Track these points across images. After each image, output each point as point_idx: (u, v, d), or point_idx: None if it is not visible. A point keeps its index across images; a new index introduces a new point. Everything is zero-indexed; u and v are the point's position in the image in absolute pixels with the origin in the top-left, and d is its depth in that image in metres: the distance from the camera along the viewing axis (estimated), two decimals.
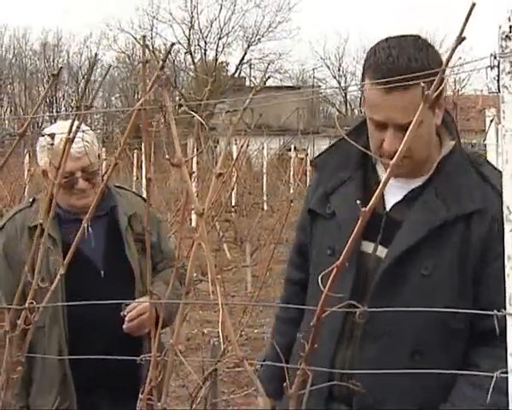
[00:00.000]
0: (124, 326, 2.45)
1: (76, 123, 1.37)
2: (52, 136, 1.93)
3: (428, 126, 1.70)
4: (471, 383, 1.66)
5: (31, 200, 2.66)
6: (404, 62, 1.62)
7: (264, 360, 2.15)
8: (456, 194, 1.72)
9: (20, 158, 9.20)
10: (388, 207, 1.80)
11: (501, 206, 1.01)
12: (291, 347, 1.96)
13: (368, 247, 1.80)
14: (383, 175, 1.78)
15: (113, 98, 39.96)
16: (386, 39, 1.70)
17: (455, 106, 5.81)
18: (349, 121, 28.14)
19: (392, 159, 0.94)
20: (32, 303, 1.47)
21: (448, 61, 0.95)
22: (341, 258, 0.95)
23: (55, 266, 2.44)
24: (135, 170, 9.38)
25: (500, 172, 1.83)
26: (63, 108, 37.29)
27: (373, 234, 1.77)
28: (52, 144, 2.32)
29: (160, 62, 1.22)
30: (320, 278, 0.98)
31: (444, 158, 1.78)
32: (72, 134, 1.38)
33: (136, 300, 2.51)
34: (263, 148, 16.17)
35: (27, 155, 8.54)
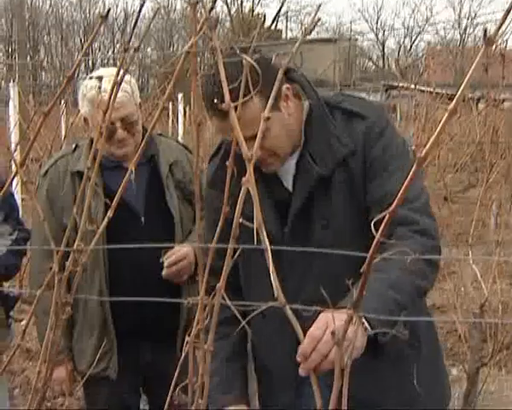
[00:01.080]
0: (163, 273, 2.48)
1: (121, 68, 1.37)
2: (100, 78, 1.94)
3: (279, 123, 1.79)
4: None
5: (73, 146, 2.69)
6: (216, 88, 1.68)
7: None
8: (326, 147, 1.83)
9: (57, 109, 9.26)
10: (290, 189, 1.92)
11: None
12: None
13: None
14: None
15: (148, 49, 39.85)
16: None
17: (502, 58, 5.66)
18: (386, 75, 27.73)
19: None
20: (79, 245, 1.49)
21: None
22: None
23: (97, 212, 2.48)
24: (171, 118, 9.38)
25: (361, 98, 1.98)
26: (99, 60, 37.29)
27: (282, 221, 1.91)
28: (100, 87, 2.34)
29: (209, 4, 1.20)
30: None
31: (305, 122, 1.86)
32: (119, 77, 1.38)
33: (176, 246, 2.54)
34: None
35: (65, 106, 8.58)
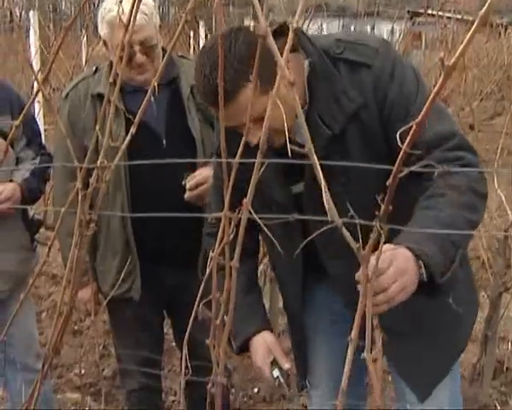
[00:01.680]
0: (185, 195, 2.48)
1: None
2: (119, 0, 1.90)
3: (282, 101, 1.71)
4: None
5: (94, 68, 2.66)
6: (213, 83, 1.60)
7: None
8: (334, 104, 1.73)
9: (77, 37, 9.18)
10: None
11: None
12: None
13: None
14: None
15: None
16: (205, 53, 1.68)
17: None
18: (411, 1, 26.99)
19: None
20: (102, 162, 1.49)
21: None
22: None
23: (119, 133, 2.46)
24: (192, 45, 9.29)
25: (361, 39, 1.79)
26: None
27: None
28: (118, 9, 2.29)
29: None
30: None
31: (308, 82, 1.75)
32: None
33: (198, 170, 2.53)
34: (322, 29, 15.70)
35: (85, 34, 8.49)
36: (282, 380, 1.88)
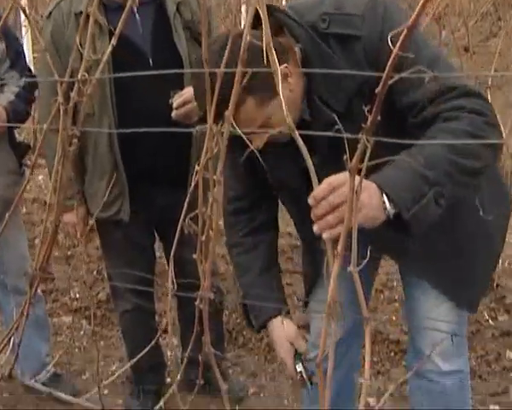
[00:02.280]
0: (172, 114, 2.44)
1: None
2: None
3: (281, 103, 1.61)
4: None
5: None
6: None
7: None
8: (334, 84, 1.65)
9: None
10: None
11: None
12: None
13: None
14: None
15: None
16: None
17: None
18: None
19: None
20: (84, 76, 1.45)
21: None
22: None
23: (103, 50, 2.40)
24: None
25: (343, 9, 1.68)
26: None
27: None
28: None
29: None
30: None
31: (302, 67, 1.65)
32: None
33: (185, 88, 2.48)
34: None
35: None
36: (304, 375, 1.86)
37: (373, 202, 1.40)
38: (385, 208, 1.41)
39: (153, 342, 1.86)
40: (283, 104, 1.17)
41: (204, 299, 1.46)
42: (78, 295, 4.27)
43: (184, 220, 1.40)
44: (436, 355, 2.00)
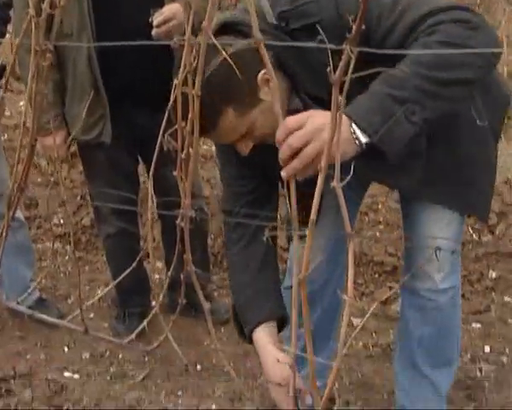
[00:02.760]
0: (152, 32, 2.37)
1: None
2: None
3: (265, 112, 1.53)
4: None
5: None
6: None
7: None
8: (314, 76, 1.57)
9: None
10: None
11: None
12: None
13: None
14: None
15: None
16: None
17: None
18: None
19: None
20: None
21: None
22: None
23: None
24: None
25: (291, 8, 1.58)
26: None
27: None
28: None
29: None
30: None
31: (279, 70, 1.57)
32: None
33: (166, 6, 2.41)
34: None
35: None
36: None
37: (341, 136, 1.37)
38: (356, 138, 1.38)
39: (134, 264, 1.84)
40: (276, 107, 1.10)
41: (185, 217, 1.44)
42: (61, 221, 4.25)
43: (163, 136, 1.36)
44: (435, 272, 2.00)
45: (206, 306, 1.50)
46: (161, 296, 1.91)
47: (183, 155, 1.37)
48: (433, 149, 1.75)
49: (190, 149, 1.36)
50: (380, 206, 3.76)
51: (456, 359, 2.25)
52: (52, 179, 4.71)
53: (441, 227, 1.91)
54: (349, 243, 1.24)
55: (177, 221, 1.45)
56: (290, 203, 1.22)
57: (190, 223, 1.45)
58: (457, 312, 2.16)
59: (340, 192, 1.17)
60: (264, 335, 1.77)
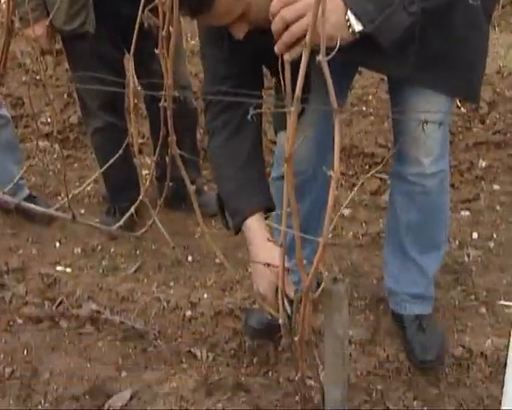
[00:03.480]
0: None
1: None
2: None
3: None
4: None
5: None
6: None
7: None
8: None
9: None
10: None
11: None
12: None
13: None
14: None
15: None
16: None
17: None
18: None
19: None
20: None
21: None
22: None
23: None
24: None
25: None
26: None
27: None
28: None
29: None
30: None
31: None
32: None
33: None
34: None
35: None
36: (288, 311, 1.51)
37: (331, 20, 1.32)
38: (350, 26, 1.34)
39: (118, 154, 1.80)
40: None
41: (168, 97, 1.41)
42: (49, 120, 4.19)
43: (143, 12, 1.32)
44: (423, 156, 1.99)
45: (191, 187, 1.48)
46: (147, 182, 1.90)
47: (163, 33, 1.33)
48: (425, 33, 1.70)
49: (171, 28, 1.32)
50: (370, 97, 3.72)
51: (445, 243, 2.27)
52: (38, 78, 4.62)
53: (430, 108, 1.88)
54: (335, 118, 1.22)
55: (161, 104, 1.43)
56: (284, 81, 1.20)
57: (174, 103, 1.43)
58: (445, 197, 2.17)
59: (325, 66, 1.14)
60: (255, 222, 1.74)
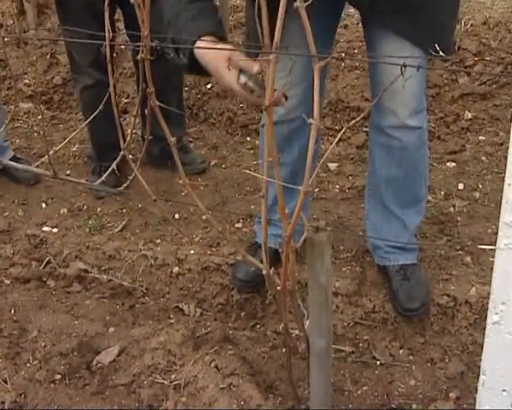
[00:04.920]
0: None
1: None
2: None
3: None
4: None
5: None
6: None
7: None
8: None
9: None
10: None
11: None
12: None
13: None
14: None
15: None
16: None
17: None
18: None
19: None
20: None
21: None
22: None
23: None
24: None
25: None
26: None
27: None
28: None
29: None
30: None
31: None
32: None
33: None
34: None
35: None
36: (251, 84, 1.52)
37: None
38: None
39: (98, 110, 1.78)
40: None
41: (145, 48, 1.39)
42: (33, 81, 4.14)
43: None
44: (398, 107, 1.98)
45: (171, 138, 1.46)
46: (128, 138, 1.89)
47: None
48: None
49: None
50: (356, 51, 3.69)
51: (425, 195, 2.28)
52: (20, 36, 4.55)
53: (406, 52, 1.87)
54: (315, 66, 1.21)
55: (138, 56, 1.42)
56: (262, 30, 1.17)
57: (151, 54, 1.41)
58: (424, 152, 2.16)
59: (303, 13, 1.13)
60: (207, 44, 1.58)
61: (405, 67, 1.19)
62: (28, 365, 2.04)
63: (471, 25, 3.75)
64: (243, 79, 1.53)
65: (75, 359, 2.06)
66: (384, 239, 2.24)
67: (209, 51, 1.56)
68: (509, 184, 1.10)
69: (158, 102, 1.45)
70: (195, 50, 1.58)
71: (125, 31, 3.06)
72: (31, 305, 2.34)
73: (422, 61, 1.92)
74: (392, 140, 2.06)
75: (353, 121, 1.39)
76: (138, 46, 1.44)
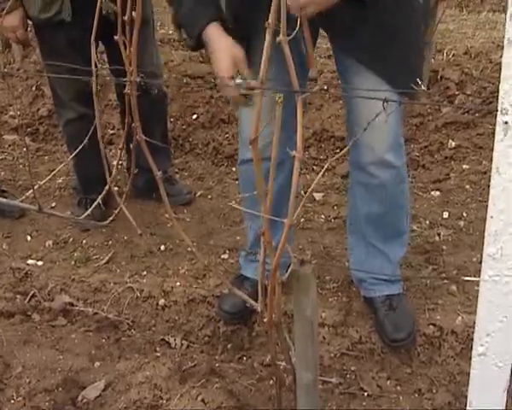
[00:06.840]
0: None
1: None
2: None
3: None
4: None
5: None
6: None
7: None
8: None
9: None
10: None
11: None
12: None
13: None
14: None
15: None
16: None
17: None
18: None
19: None
20: None
21: None
22: None
23: None
24: None
25: None
26: None
27: None
28: None
29: None
30: None
31: None
32: None
33: None
34: None
35: None
36: (243, 87, 1.71)
37: None
38: None
39: (83, 143, 1.79)
40: None
41: (131, 84, 1.40)
42: (18, 113, 4.15)
43: None
44: (376, 143, 1.99)
45: (156, 169, 1.46)
46: (114, 171, 1.89)
47: (125, 18, 1.32)
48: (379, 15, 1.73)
49: (133, 13, 1.32)
50: (340, 81, 3.72)
51: (407, 227, 2.28)
52: (5, 70, 4.57)
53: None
54: (298, 101, 1.22)
55: (125, 90, 1.42)
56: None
57: (138, 90, 1.42)
58: (403, 187, 2.16)
59: (286, 48, 1.14)
60: (214, 27, 1.80)
61: (387, 102, 1.20)
62: (12, 401, 2.01)
63: (453, 55, 3.81)
64: (238, 80, 1.72)
65: (60, 394, 2.03)
66: (369, 272, 2.24)
67: (218, 41, 1.78)
68: (492, 217, 1.11)
69: (143, 137, 1.45)
70: (204, 35, 1.80)
71: (107, 63, 3.07)
72: (15, 340, 2.31)
73: (397, 97, 1.94)
74: (371, 178, 2.06)
75: (337, 156, 1.40)
76: (124, 81, 1.46)
